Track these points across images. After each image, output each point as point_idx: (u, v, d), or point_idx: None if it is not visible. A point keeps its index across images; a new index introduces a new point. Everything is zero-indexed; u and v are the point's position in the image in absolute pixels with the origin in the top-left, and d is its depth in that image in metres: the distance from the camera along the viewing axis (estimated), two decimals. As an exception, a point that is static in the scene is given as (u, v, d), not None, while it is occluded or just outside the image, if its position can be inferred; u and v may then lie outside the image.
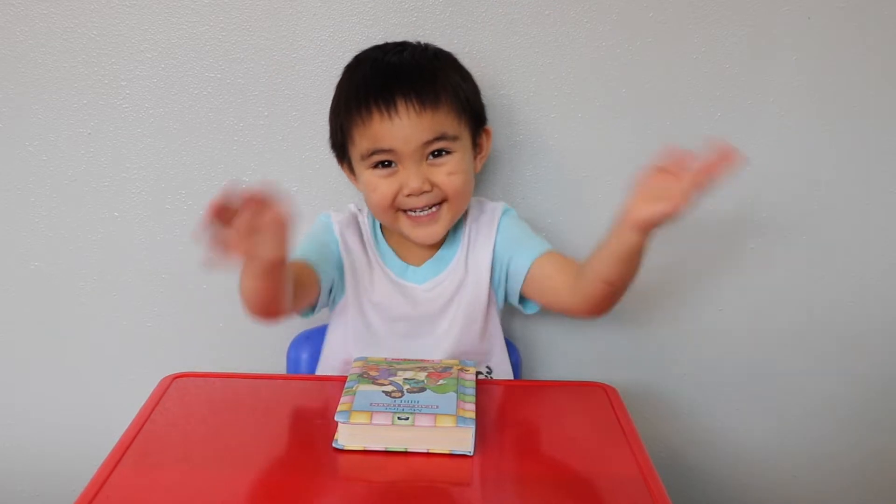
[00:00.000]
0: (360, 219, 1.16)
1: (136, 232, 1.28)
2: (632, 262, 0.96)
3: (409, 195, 1.04)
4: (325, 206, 1.23)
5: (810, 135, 1.26)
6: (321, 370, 1.19)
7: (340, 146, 1.11)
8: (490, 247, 1.13)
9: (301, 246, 1.07)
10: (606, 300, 1.02)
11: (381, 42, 1.14)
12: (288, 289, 0.97)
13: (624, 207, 0.91)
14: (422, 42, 1.13)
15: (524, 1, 1.19)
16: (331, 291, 1.12)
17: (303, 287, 1.04)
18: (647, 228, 0.91)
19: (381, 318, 1.13)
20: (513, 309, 1.19)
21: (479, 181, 1.26)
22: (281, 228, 0.84)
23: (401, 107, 1.01)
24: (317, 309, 1.12)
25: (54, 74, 1.21)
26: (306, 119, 1.22)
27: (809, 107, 1.25)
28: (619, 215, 0.93)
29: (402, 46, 1.10)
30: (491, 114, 1.21)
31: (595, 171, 1.27)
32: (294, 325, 1.27)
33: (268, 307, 0.98)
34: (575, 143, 1.25)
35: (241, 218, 0.83)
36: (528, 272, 1.10)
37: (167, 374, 1.08)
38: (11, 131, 1.24)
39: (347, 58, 1.15)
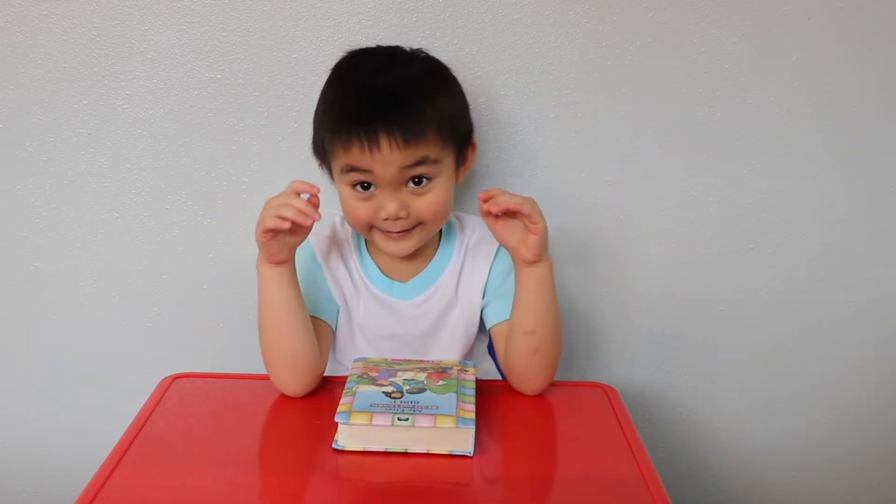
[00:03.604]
0: (341, 235, 1.14)
1: (136, 232, 1.29)
2: (542, 302, 1.01)
3: (385, 219, 1.02)
4: (325, 207, 1.22)
5: (810, 135, 1.26)
6: None
7: (322, 155, 1.09)
8: (485, 274, 1.11)
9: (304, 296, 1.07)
10: (535, 356, 1.02)
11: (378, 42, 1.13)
12: (309, 328, 1.03)
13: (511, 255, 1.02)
14: (413, 49, 1.09)
15: (524, 1, 1.18)
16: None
17: (325, 343, 1.08)
18: (536, 255, 0.99)
19: (366, 338, 1.12)
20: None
21: (479, 182, 1.26)
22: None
23: (383, 142, 0.97)
24: None
25: (54, 75, 1.21)
26: (306, 119, 1.22)
27: (809, 107, 1.25)
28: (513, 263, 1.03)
29: (392, 60, 1.05)
30: (490, 114, 1.22)
31: (595, 172, 1.27)
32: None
33: (296, 347, 1.01)
34: (575, 143, 1.25)
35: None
36: (491, 329, 1.11)
37: (167, 375, 1.08)
38: (11, 131, 1.24)
39: (347, 58, 1.15)
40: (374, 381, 0.96)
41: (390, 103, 0.99)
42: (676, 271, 1.33)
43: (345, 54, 1.09)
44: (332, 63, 1.17)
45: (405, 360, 1.04)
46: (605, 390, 1.07)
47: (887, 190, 1.30)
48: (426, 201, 1.03)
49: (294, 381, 1.02)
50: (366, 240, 1.14)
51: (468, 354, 1.15)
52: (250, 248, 1.29)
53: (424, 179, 1.02)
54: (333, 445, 0.90)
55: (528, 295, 1.01)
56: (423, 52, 1.10)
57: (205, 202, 1.27)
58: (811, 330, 1.37)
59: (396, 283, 1.12)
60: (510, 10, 1.19)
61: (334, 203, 1.17)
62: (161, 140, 1.24)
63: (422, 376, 0.97)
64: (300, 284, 1.04)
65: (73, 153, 1.25)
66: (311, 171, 1.24)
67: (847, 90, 1.24)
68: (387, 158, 0.98)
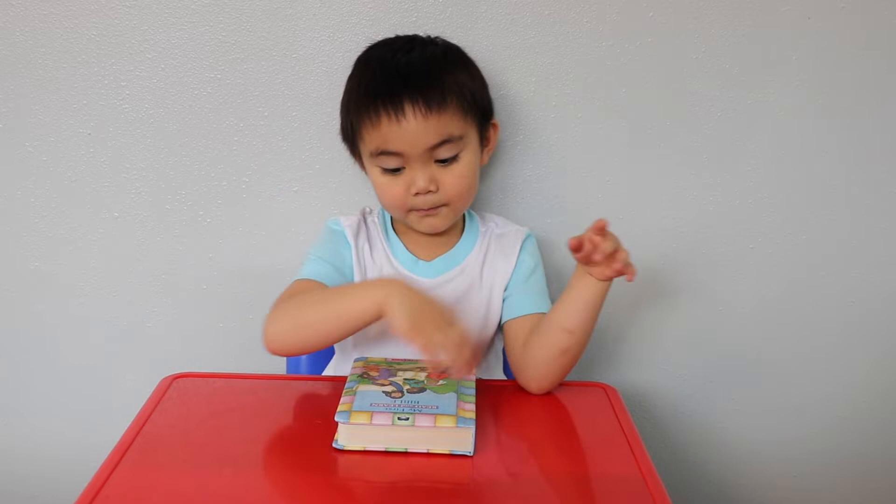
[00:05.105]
0: (370, 219, 1.16)
1: (136, 232, 1.29)
2: (594, 308, 1.00)
3: (416, 194, 1.06)
4: (326, 207, 1.24)
5: (810, 135, 1.26)
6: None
7: (352, 141, 1.12)
8: (510, 266, 1.13)
9: (318, 263, 1.08)
10: (561, 356, 1.02)
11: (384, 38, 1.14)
12: (334, 342, 1.05)
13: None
14: (431, 36, 1.13)
15: (524, 1, 1.19)
16: None
17: None
18: (612, 277, 0.98)
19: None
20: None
21: (480, 182, 1.26)
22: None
23: (408, 110, 1.02)
24: None
25: (54, 75, 1.21)
26: (306, 119, 1.23)
27: (809, 107, 1.25)
28: (580, 268, 0.99)
29: (411, 44, 1.10)
30: (491, 114, 1.22)
31: (595, 171, 1.27)
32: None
33: (314, 345, 1.02)
34: (575, 143, 1.25)
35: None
36: (507, 322, 1.12)
37: (167, 375, 1.08)
38: (11, 131, 1.24)
39: (347, 58, 1.15)
40: (374, 381, 0.96)
41: (413, 75, 1.04)
42: (676, 271, 1.33)
43: (366, 47, 1.13)
44: (332, 63, 1.18)
45: (405, 360, 1.04)
46: (605, 390, 1.07)
47: (887, 190, 1.30)
48: (454, 174, 1.06)
49: (282, 348, 1.01)
50: (392, 221, 1.17)
51: (486, 349, 1.15)
52: (250, 249, 1.30)
53: (451, 159, 1.06)
54: (333, 445, 0.90)
55: (585, 297, 1.00)
56: (440, 38, 1.14)
57: (205, 202, 1.28)
58: (811, 330, 1.37)
59: (421, 261, 1.14)
60: (510, 10, 1.19)
61: (349, 203, 1.18)
62: (161, 140, 1.24)
63: (422, 376, 0.97)
64: (328, 260, 1.08)
65: (73, 153, 1.25)
66: (311, 171, 1.25)
67: (847, 90, 1.24)
68: (412, 128, 1.02)
